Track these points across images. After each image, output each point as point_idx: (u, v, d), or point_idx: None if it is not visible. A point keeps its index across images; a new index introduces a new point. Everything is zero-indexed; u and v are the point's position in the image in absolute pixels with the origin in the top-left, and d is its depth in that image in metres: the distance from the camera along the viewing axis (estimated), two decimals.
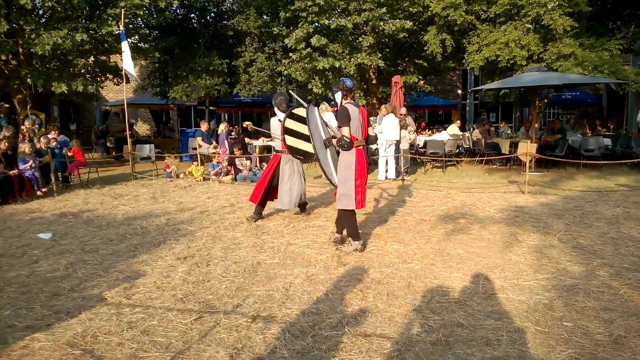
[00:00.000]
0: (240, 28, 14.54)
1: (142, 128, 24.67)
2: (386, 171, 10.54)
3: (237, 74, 15.24)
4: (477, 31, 12.33)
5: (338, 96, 5.13)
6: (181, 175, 11.14)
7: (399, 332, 3.21)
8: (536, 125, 11.88)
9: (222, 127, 12.98)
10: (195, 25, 16.66)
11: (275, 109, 6.64)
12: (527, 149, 8.64)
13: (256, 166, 11.91)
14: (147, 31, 15.04)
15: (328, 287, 4.03)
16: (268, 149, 13.92)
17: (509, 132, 16.04)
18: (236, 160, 10.82)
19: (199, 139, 12.25)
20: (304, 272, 4.42)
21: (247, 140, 13.41)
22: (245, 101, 17.88)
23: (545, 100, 13.54)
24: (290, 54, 12.75)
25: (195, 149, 11.30)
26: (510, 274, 4.27)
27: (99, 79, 14.75)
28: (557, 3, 10.86)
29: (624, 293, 3.76)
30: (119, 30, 10.96)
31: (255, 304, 3.72)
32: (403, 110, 11.36)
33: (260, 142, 13.95)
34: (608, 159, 11.81)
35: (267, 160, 12.94)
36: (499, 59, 11.52)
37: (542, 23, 11.19)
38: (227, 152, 11.25)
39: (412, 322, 3.35)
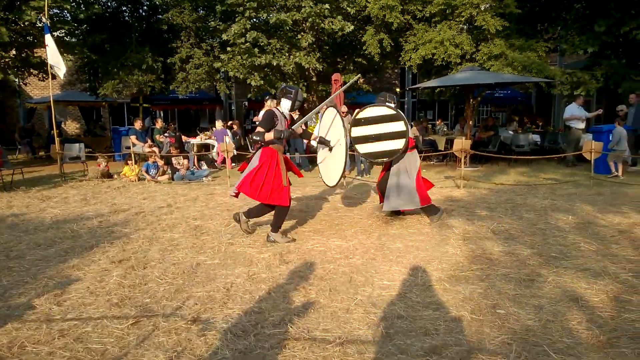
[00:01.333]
0: (174, 22, 14.05)
1: (71, 127, 23.42)
2: None
3: (172, 71, 14.74)
4: (414, 30, 12.66)
5: None
6: (114, 176, 10.65)
7: (341, 327, 3.22)
8: (470, 122, 12.40)
9: (220, 125, 12.94)
10: (127, 18, 15.95)
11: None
12: (462, 145, 8.97)
13: (194, 165, 11.62)
14: (75, 25, 14.22)
15: (270, 286, 3.98)
16: (206, 147, 13.62)
17: (445, 129, 16.66)
18: (173, 159, 10.48)
19: (132, 137, 11.77)
20: (246, 271, 4.35)
21: (184, 138, 13.06)
22: (181, 98, 17.36)
23: (479, 99, 14.15)
24: (228, 48, 12.47)
25: (129, 147, 10.83)
26: (447, 266, 4.41)
27: (20, 74, 13.79)
28: (488, 4, 11.35)
29: (552, 280, 3.99)
30: (42, 22, 10.29)
31: (195, 305, 3.62)
32: (344, 109, 11.47)
33: (198, 140, 13.62)
34: (537, 154, 12.52)
35: (205, 159, 12.69)
36: (434, 57, 11.89)
37: (475, 24, 11.68)
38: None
39: (353, 316, 3.38)
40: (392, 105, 5.79)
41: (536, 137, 13.32)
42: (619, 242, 5.01)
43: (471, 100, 12.35)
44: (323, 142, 5.65)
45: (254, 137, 5.26)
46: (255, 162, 5.21)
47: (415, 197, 5.84)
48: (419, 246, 5.07)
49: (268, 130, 5.09)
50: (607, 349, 2.87)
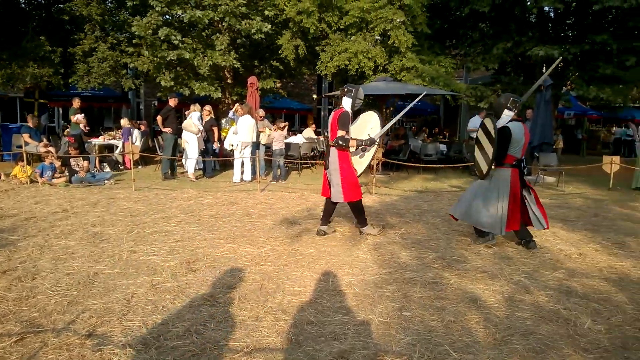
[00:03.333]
0: (79, 14, 13.07)
1: None
2: (242, 173, 10.43)
3: (73, 64, 13.67)
4: (330, 40, 12.89)
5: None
6: (2, 177, 9.65)
7: (250, 335, 3.13)
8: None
9: (125, 122, 12.40)
10: (23, 6, 14.58)
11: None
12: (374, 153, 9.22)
13: (95, 167, 10.88)
14: None
15: (175, 295, 3.78)
16: (110, 148, 12.79)
17: None
18: (71, 160, 9.70)
19: (25, 135, 10.73)
20: (149, 280, 4.09)
21: (85, 138, 12.15)
22: (83, 94, 16.12)
23: (392, 109, 14.69)
24: (135, 40, 11.80)
25: (21, 147, 9.86)
26: (357, 270, 4.48)
27: None
28: (401, 20, 11.86)
29: (454, 282, 4.18)
30: None
31: (91, 318, 3.34)
32: (261, 112, 11.35)
33: (101, 140, 12.76)
34: (443, 163, 13.22)
35: (107, 160, 11.90)
36: (348, 67, 12.18)
37: (389, 42, 12.14)
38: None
39: (262, 324, 3.30)
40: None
41: (443, 147, 14.08)
42: (514, 246, 5.40)
43: (384, 110, 12.79)
44: (367, 143, 5.65)
45: (340, 143, 5.35)
46: (335, 165, 5.46)
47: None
48: (331, 251, 5.10)
49: (347, 132, 5.38)
50: (502, 346, 3.05)
